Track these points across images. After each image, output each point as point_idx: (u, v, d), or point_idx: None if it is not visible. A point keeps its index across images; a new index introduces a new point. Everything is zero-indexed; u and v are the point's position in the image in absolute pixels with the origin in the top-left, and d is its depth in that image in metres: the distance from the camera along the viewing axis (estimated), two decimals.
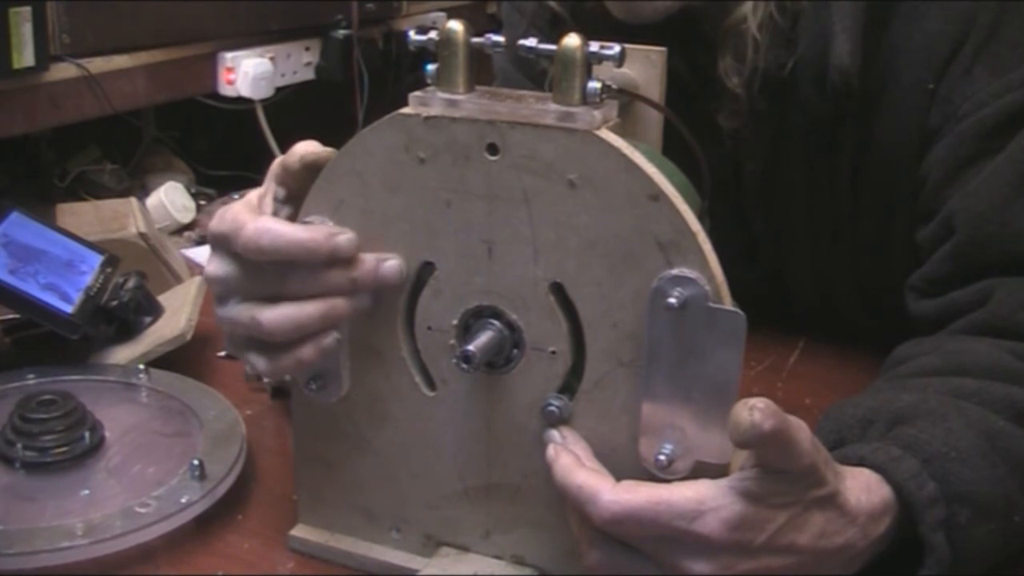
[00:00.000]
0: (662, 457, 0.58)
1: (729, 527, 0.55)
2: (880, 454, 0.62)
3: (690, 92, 0.85)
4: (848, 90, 0.80)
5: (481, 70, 0.62)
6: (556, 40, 0.58)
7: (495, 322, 0.61)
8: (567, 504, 0.59)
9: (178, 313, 0.92)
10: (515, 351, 0.62)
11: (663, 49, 0.73)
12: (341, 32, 1.61)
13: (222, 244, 0.63)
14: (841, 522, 0.58)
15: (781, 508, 0.56)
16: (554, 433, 0.61)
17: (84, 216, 1.10)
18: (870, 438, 0.66)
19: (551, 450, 0.60)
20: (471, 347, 0.59)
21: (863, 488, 0.60)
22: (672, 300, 0.56)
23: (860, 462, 0.62)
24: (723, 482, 0.56)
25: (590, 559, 0.59)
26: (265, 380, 0.88)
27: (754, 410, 0.53)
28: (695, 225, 0.56)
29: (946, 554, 0.60)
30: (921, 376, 0.71)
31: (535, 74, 0.95)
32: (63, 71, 1.28)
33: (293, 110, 1.63)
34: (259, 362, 0.63)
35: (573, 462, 0.59)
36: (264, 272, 0.61)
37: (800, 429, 0.55)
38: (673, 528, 0.55)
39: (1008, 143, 0.77)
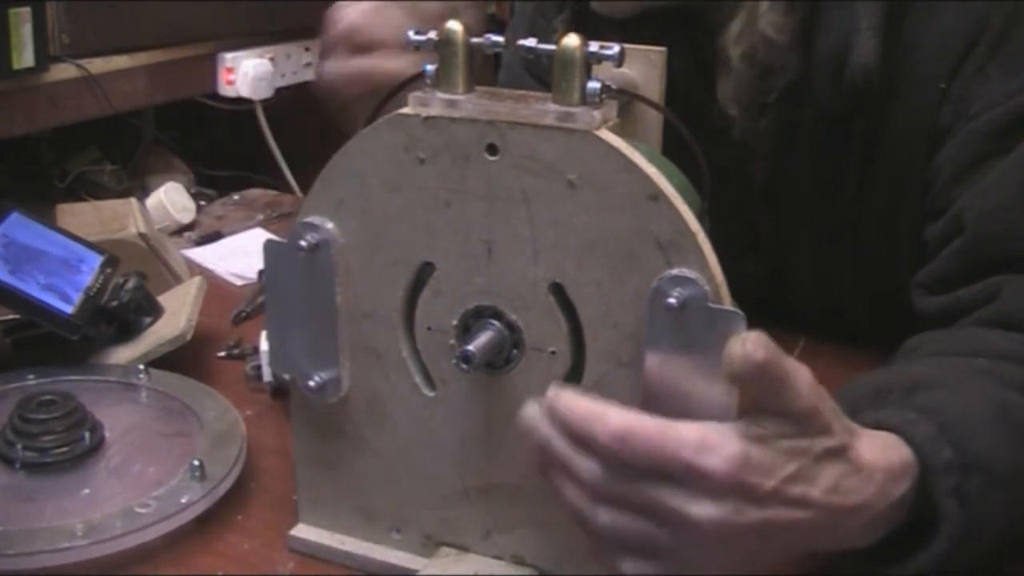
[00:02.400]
0: None
1: (736, 464, 0.53)
2: (896, 417, 0.61)
3: (698, 90, 0.85)
4: (869, 87, 0.80)
5: (481, 70, 0.62)
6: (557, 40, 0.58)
7: (495, 322, 0.61)
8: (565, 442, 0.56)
9: (178, 313, 0.92)
10: (515, 351, 0.62)
11: (663, 49, 0.73)
12: None
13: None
14: (856, 478, 0.56)
15: (789, 455, 0.54)
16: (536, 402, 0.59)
17: (84, 216, 1.10)
18: (886, 405, 0.65)
19: (552, 391, 0.57)
20: (471, 347, 0.59)
21: (880, 446, 0.58)
22: (672, 300, 0.56)
23: (876, 425, 0.60)
24: (727, 425, 0.54)
25: (595, 521, 0.56)
26: (265, 380, 0.89)
27: (746, 341, 0.52)
28: (695, 225, 0.56)
29: (959, 522, 0.59)
30: (933, 356, 0.71)
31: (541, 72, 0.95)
32: (63, 71, 1.28)
33: (293, 110, 1.63)
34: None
35: (577, 395, 0.57)
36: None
37: (799, 370, 0.54)
38: (679, 459, 0.53)
39: (1020, 142, 0.77)
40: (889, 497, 0.58)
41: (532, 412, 0.58)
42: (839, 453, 0.56)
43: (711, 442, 0.53)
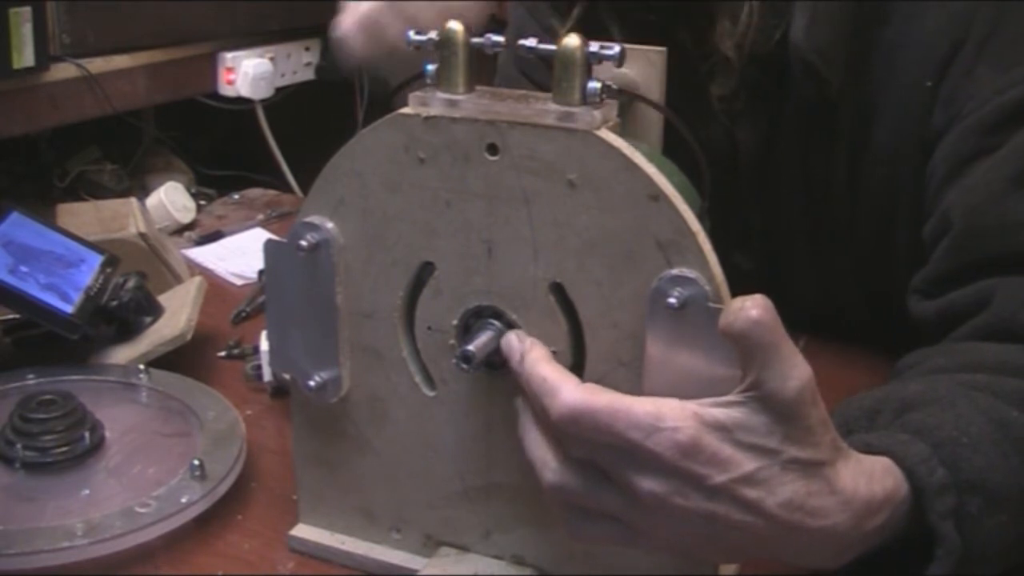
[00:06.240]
0: None
1: (681, 451, 0.52)
2: (887, 439, 0.59)
3: (691, 64, 0.84)
4: (808, 68, 0.79)
5: (481, 70, 0.62)
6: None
7: (495, 322, 0.61)
8: (527, 402, 0.57)
9: (178, 313, 0.92)
10: None
11: (663, 49, 0.73)
12: None
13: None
14: (828, 500, 0.54)
15: (750, 454, 0.52)
16: (519, 333, 0.60)
17: (84, 216, 1.10)
18: (877, 427, 0.63)
19: (527, 343, 0.59)
20: (471, 347, 0.59)
21: (865, 474, 0.56)
22: (672, 300, 0.56)
23: (866, 449, 0.58)
24: (691, 405, 0.53)
25: (547, 478, 0.56)
26: (265, 380, 0.89)
27: (747, 299, 0.52)
28: (695, 225, 0.56)
29: (957, 545, 0.57)
30: (929, 374, 0.69)
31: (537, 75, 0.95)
32: (63, 71, 1.28)
33: (293, 110, 1.63)
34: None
35: (545, 356, 0.58)
36: None
37: (796, 356, 0.53)
38: (627, 439, 0.53)
39: (1009, 139, 0.77)
40: (863, 527, 0.55)
41: (511, 341, 0.59)
42: (812, 467, 0.53)
43: (664, 425, 0.52)
